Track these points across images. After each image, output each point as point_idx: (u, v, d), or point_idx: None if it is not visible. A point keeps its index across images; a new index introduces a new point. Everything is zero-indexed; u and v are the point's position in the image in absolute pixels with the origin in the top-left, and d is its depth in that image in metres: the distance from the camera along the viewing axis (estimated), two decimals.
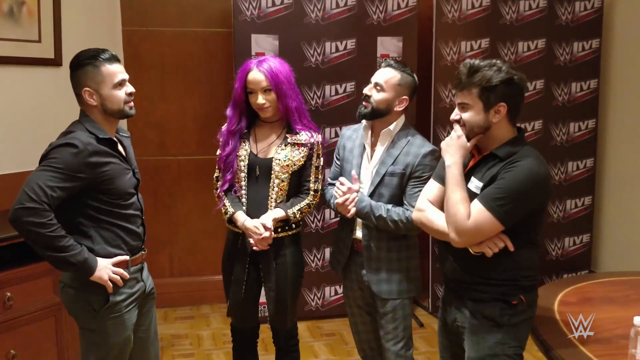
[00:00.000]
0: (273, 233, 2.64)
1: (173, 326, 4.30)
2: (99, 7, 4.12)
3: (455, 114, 2.17)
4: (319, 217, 4.24)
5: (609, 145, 4.60)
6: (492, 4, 4.24)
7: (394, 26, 4.16)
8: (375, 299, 2.72)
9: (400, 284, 2.68)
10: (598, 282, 2.77)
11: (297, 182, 2.74)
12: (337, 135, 4.18)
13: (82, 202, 2.22)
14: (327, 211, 4.24)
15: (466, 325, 2.19)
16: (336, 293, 4.35)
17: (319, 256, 4.26)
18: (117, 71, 2.27)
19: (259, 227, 2.61)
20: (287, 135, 2.71)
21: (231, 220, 2.72)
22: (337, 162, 2.84)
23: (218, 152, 2.77)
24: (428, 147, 2.63)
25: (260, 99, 2.62)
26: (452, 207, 2.09)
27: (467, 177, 2.17)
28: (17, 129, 3.48)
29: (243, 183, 2.70)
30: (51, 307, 3.07)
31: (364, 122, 2.73)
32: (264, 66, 2.62)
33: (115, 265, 2.28)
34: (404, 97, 2.62)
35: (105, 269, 2.23)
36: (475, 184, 2.13)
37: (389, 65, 2.63)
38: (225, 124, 2.76)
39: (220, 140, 2.75)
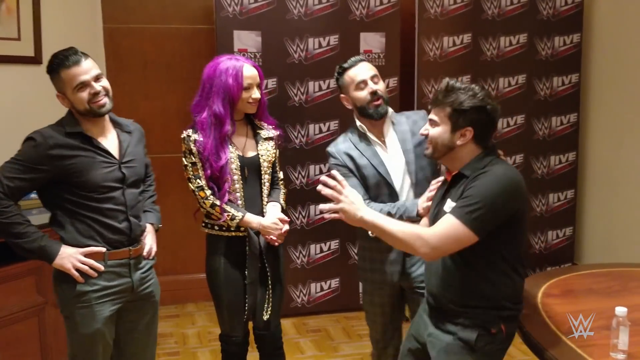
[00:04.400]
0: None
1: (158, 325, 4.26)
2: (80, 4, 4.07)
3: (424, 129, 2.20)
4: (304, 214, 4.24)
5: (591, 138, 4.64)
6: None
7: (376, 22, 4.17)
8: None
9: None
10: (581, 274, 2.79)
11: (272, 175, 2.80)
12: (320, 131, 4.18)
13: (57, 195, 2.30)
14: (311, 207, 4.24)
15: (439, 341, 2.14)
16: (322, 289, 4.35)
17: (304, 253, 4.26)
18: (75, 74, 2.27)
19: (278, 222, 2.66)
20: (258, 131, 2.74)
21: (235, 226, 2.67)
22: (348, 175, 2.59)
23: (188, 161, 2.65)
24: (420, 111, 2.69)
25: (257, 93, 2.64)
26: (404, 233, 2.01)
27: (443, 200, 2.17)
28: None
29: (237, 186, 2.67)
30: (34, 307, 3.04)
31: (358, 127, 2.63)
32: (250, 62, 2.67)
33: (87, 255, 2.30)
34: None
35: (69, 257, 2.27)
36: (449, 205, 2.11)
37: (361, 60, 2.62)
38: (197, 133, 2.62)
39: (201, 149, 2.60)
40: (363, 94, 2.57)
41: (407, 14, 4.28)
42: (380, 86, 2.58)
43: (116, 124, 2.47)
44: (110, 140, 2.41)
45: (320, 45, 4.12)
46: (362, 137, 2.64)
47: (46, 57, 3.59)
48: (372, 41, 4.18)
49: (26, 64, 3.57)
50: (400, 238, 2.02)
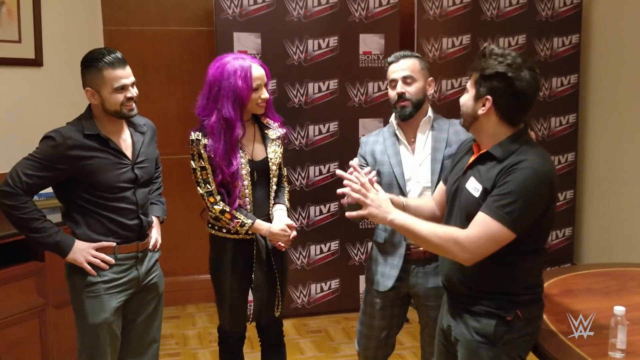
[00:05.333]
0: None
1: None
2: (80, 6, 4.09)
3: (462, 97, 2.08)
4: (303, 215, 4.24)
5: (590, 139, 4.65)
6: (473, 0, 4.28)
7: (375, 23, 4.18)
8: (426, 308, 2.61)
9: None
10: (580, 274, 2.80)
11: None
12: (320, 132, 4.19)
13: (71, 192, 2.38)
14: (312, 208, 4.25)
15: (459, 337, 2.06)
16: (322, 290, 4.36)
17: (304, 254, 4.27)
18: (118, 76, 2.34)
19: (286, 229, 2.66)
20: (266, 132, 2.72)
21: (245, 231, 2.66)
22: (365, 166, 2.63)
23: (197, 165, 2.60)
24: None
25: (266, 94, 2.62)
26: (439, 238, 1.92)
27: (466, 175, 2.04)
28: None
29: (247, 191, 2.65)
30: (35, 308, 3.05)
31: (391, 122, 2.64)
32: (257, 61, 2.63)
33: (99, 250, 2.40)
34: (430, 78, 2.59)
35: (82, 252, 2.37)
36: (474, 185, 1.98)
37: (404, 57, 2.57)
38: (206, 137, 2.57)
39: (211, 154, 2.56)
40: (392, 93, 2.57)
41: (406, 15, 4.29)
42: (412, 88, 2.52)
43: (130, 124, 2.53)
44: (124, 141, 2.48)
45: (319, 47, 4.13)
46: (395, 133, 2.64)
47: (47, 59, 3.64)
48: (371, 42, 4.19)
49: (27, 66, 3.58)
50: (435, 243, 1.93)
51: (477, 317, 2.01)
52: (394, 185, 2.58)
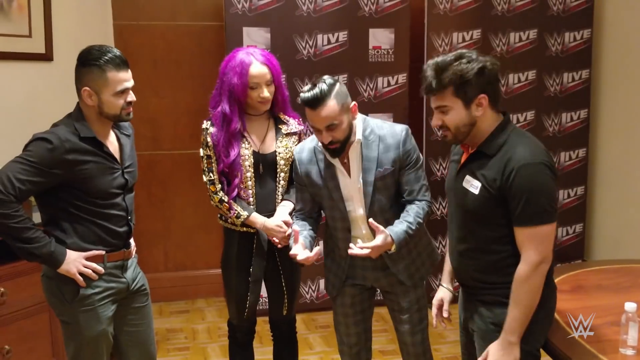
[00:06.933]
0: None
1: (168, 320, 4.30)
2: (90, 1, 4.09)
3: (436, 120, 2.04)
4: None
5: (601, 135, 4.61)
6: None
7: (385, 18, 4.16)
8: (394, 295, 2.58)
9: (424, 266, 2.57)
10: (590, 270, 2.78)
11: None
12: None
13: (59, 198, 2.24)
14: None
15: (475, 328, 2.12)
16: None
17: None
18: (122, 79, 2.24)
19: (282, 225, 2.60)
20: (280, 127, 2.71)
21: (241, 223, 2.66)
22: (303, 189, 2.55)
23: (204, 153, 2.65)
24: (399, 130, 2.41)
25: (266, 93, 2.58)
26: (526, 290, 1.95)
27: (460, 175, 2.08)
28: (6, 124, 3.45)
29: (250, 183, 2.65)
30: (45, 302, 3.06)
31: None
32: (264, 58, 2.60)
33: (89, 259, 2.28)
34: (351, 105, 2.35)
35: (74, 262, 2.24)
36: (471, 183, 2.02)
37: (321, 101, 2.26)
38: (213, 126, 2.63)
39: (215, 142, 2.61)
40: (319, 137, 2.37)
41: (416, 9, 4.27)
42: (338, 132, 2.31)
43: (115, 125, 2.42)
44: (112, 144, 2.37)
45: (329, 42, 4.12)
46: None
47: (57, 54, 3.65)
48: (381, 37, 4.17)
49: (37, 60, 3.59)
50: (528, 295, 1.95)
51: (489, 307, 2.07)
52: (335, 209, 2.47)
